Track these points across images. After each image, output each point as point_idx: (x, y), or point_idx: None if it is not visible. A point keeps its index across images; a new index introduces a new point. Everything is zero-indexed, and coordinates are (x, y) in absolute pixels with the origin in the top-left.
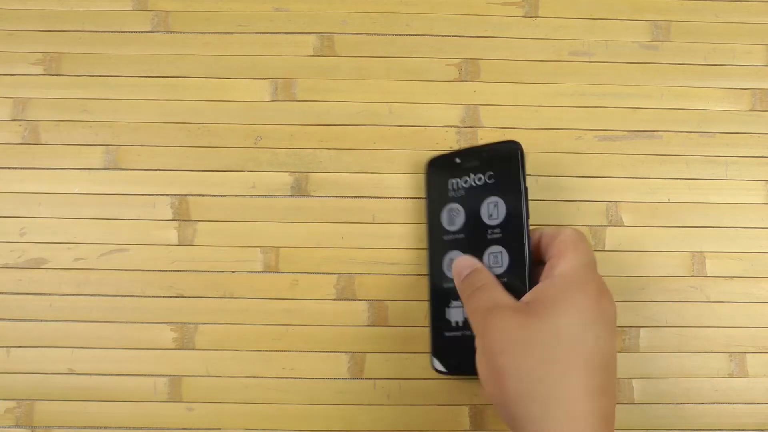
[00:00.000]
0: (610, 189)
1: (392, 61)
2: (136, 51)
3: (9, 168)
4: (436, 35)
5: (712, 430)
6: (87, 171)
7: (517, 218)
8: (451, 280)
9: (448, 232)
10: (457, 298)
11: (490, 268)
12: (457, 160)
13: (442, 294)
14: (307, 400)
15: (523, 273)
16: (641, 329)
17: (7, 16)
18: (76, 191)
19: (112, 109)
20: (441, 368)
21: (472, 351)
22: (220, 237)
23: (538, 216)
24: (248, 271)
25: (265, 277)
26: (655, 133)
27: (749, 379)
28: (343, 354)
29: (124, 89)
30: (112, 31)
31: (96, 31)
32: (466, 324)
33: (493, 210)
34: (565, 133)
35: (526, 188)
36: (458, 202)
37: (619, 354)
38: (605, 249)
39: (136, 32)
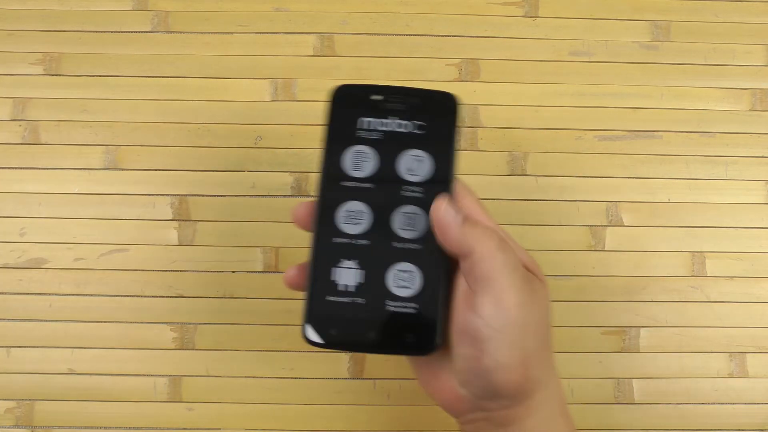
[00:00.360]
0: (610, 189)
1: (392, 61)
2: (136, 51)
3: (9, 168)
4: (436, 35)
5: (712, 430)
6: (87, 171)
7: (444, 182)
8: (345, 235)
9: (350, 178)
10: (349, 257)
11: (400, 229)
12: (377, 97)
13: (329, 249)
14: (307, 400)
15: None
16: (641, 329)
17: (7, 16)
18: (76, 191)
19: (112, 109)
20: (317, 339)
21: (360, 322)
22: (220, 237)
23: (538, 216)
24: (248, 271)
25: (265, 277)
26: (655, 133)
27: (749, 379)
28: (344, 354)
29: (124, 89)
30: (112, 31)
31: (96, 31)
32: (359, 290)
33: (416, 165)
34: (565, 133)
35: (457, 150)
36: (369, 146)
37: (619, 354)
38: (605, 249)
39: (136, 32)
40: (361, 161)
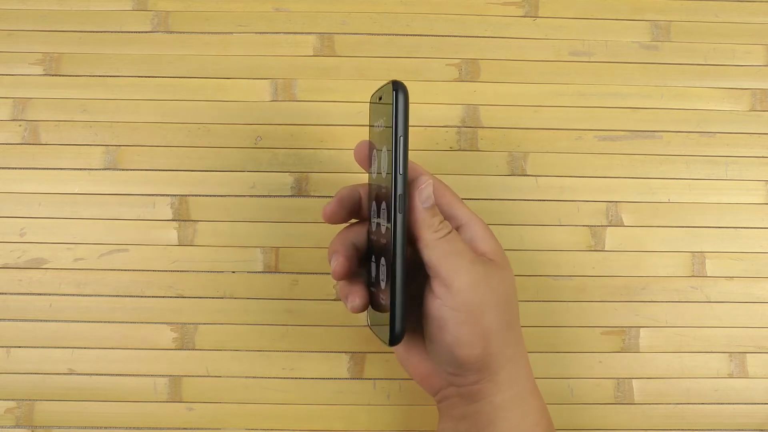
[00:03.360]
0: (610, 189)
1: (392, 61)
2: (136, 51)
3: (9, 168)
4: (436, 35)
5: (712, 430)
6: (87, 171)
7: (399, 173)
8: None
9: (373, 175)
10: (370, 254)
11: (382, 225)
12: (379, 98)
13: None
14: (307, 400)
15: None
16: (641, 329)
17: (6, 16)
18: (76, 191)
19: (112, 109)
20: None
21: (379, 317)
22: (220, 237)
23: (538, 216)
24: (248, 271)
25: (265, 277)
26: (655, 133)
27: (749, 379)
28: (343, 354)
29: (124, 89)
30: (112, 31)
31: (96, 31)
32: (376, 285)
33: (384, 161)
34: (565, 133)
35: (401, 138)
36: (375, 146)
37: (619, 354)
38: (605, 249)
39: (136, 32)
40: (374, 161)
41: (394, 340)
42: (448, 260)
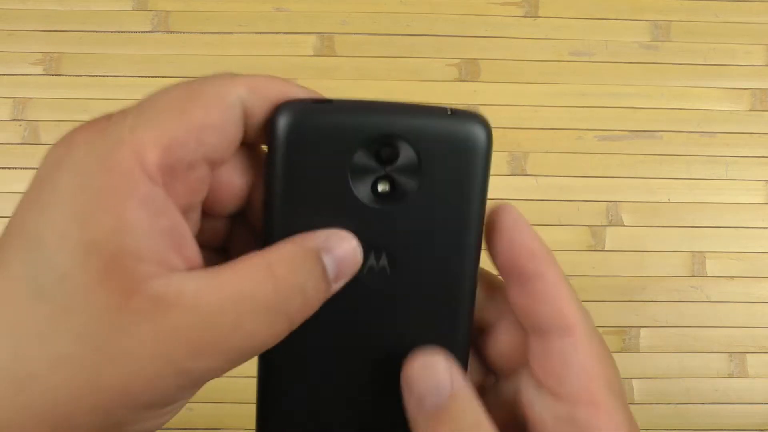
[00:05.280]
0: (610, 189)
1: (392, 61)
2: (136, 51)
3: (9, 168)
4: (436, 35)
5: (712, 430)
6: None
7: None
8: None
9: None
10: None
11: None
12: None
13: None
14: None
15: None
16: (641, 329)
17: (7, 16)
18: None
19: (112, 109)
20: None
21: None
22: None
23: (538, 216)
24: None
25: None
26: (655, 133)
27: (749, 379)
28: None
29: (124, 89)
30: (112, 31)
31: (96, 31)
32: None
33: None
34: (565, 133)
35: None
36: None
37: (619, 354)
38: (605, 249)
39: (136, 32)
40: None
41: None
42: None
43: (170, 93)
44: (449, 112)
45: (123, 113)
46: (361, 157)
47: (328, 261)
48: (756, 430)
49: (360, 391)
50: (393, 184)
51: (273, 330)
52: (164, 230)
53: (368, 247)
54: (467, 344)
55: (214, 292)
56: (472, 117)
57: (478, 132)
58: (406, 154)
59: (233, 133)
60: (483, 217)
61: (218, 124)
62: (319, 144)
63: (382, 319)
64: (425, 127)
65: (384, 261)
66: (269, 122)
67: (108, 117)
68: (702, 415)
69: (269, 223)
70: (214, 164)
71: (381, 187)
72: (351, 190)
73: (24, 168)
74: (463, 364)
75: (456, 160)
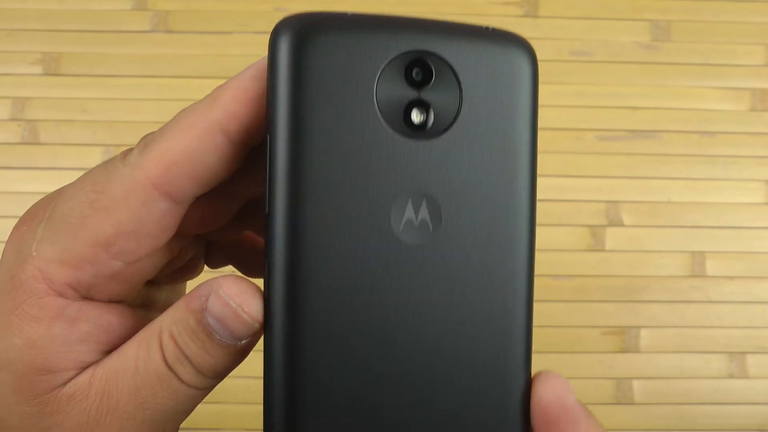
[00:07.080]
0: (610, 189)
1: None
2: (136, 51)
3: (9, 168)
4: None
5: (712, 430)
6: (86, 171)
7: None
8: None
9: None
10: None
11: None
12: None
13: None
14: None
15: None
16: (641, 329)
17: (6, 16)
18: None
19: (112, 109)
20: None
21: None
22: None
23: (538, 216)
24: None
25: None
26: (655, 133)
27: (749, 379)
28: None
29: (124, 89)
30: (111, 31)
31: (95, 31)
32: None
33: None
34: (565, 133)
35: None
36: None
37: (619, 354)
38: (605, 249)
39: (135, 32)
40: None
41: None
42: None
43: (77, 195)
44: (489, 30)
45: (44, 208)
46: (388, 82)
47: (211, 320)
48: (756, 430)
49: (394, 379)
50: (429, 112)
51: (176, 397)
52: (83, 335)
53: (404, 193)
54: (530, 315)
55: (111, 377)
56: (515, 37)
57: (525, 52)
58: (444, 76)
59: (157, 229)
60: (536, 155)
61: (130, 230)
62: (336, 67)
63: (422, 287)
64: (465, 44)
65: (425, 212)
66: (269, 47)
67: (35, 212)
68: (702, 416)
69: (274, 184)
70: (147, 257)
71: (416, 117)
72: (380, 121)
73: (24, 168)
74: (527, 347)
75: (503, 84)
